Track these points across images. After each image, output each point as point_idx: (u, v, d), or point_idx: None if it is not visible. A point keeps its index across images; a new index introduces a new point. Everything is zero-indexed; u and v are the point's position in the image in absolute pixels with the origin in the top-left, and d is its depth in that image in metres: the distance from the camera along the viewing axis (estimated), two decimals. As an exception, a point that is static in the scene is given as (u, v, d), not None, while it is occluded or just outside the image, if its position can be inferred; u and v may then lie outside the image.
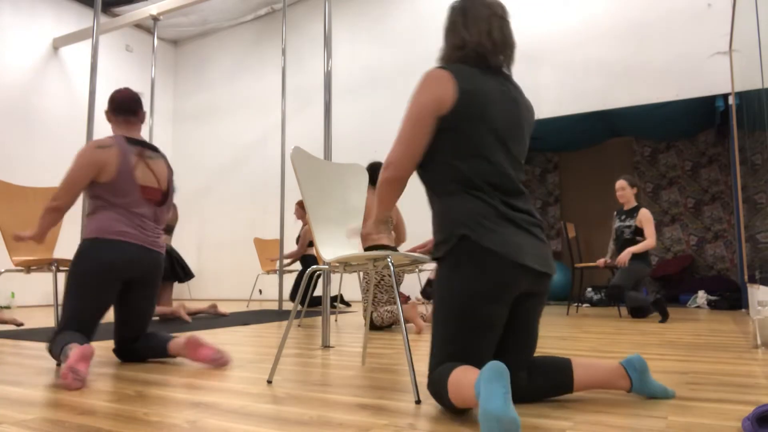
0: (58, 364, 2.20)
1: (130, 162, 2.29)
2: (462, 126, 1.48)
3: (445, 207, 1.50)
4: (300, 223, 6.81)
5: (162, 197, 2.38)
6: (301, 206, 6.09)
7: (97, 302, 2.19)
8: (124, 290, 2.29)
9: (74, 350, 1.86)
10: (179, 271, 4.72)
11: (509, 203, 1.49)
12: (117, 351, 2.36)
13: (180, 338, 2.29)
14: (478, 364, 1.42)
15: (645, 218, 4.52)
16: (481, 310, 1.42)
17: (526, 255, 1.44)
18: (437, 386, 1.37)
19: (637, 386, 1.52)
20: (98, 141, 2.27)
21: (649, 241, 4.44)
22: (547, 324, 3.99)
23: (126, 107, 2.39)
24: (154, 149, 2.41)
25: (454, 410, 1.39)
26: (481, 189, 1.48)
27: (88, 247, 2.19)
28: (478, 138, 1.48)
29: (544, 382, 1.51)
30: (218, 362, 2.22)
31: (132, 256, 2.22)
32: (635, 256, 4.45)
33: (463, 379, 1.29)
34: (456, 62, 1.56)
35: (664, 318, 4.05)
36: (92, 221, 2.24)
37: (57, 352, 2.03)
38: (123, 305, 2.31)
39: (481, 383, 1.16)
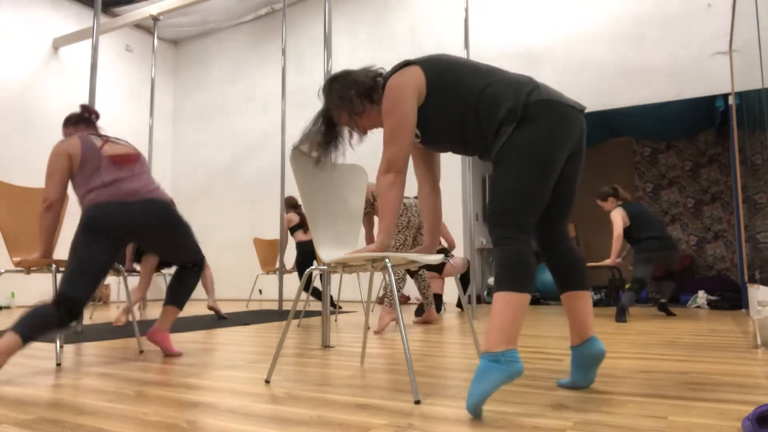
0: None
1: (93, 142, 2.48)
2: None
3: None
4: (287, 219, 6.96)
5: (136, 157, 2.57)
6: (287, 204, 6.18)
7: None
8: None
9: None
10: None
11: None
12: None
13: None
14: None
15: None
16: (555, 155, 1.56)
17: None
18: (509, 266, 1.48)
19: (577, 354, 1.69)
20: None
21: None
22: (547, 324, 3.99)
23: (76, 118, 2.66)
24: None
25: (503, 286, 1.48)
26: None
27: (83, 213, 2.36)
28: None
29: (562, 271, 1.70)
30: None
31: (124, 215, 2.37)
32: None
33: (513, 316, 1.44)
34: None
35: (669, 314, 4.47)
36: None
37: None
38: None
39: (483, 375, 1.39)
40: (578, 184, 1.73)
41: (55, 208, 2.44)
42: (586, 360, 1.66)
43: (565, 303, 1.71)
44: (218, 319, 4.66)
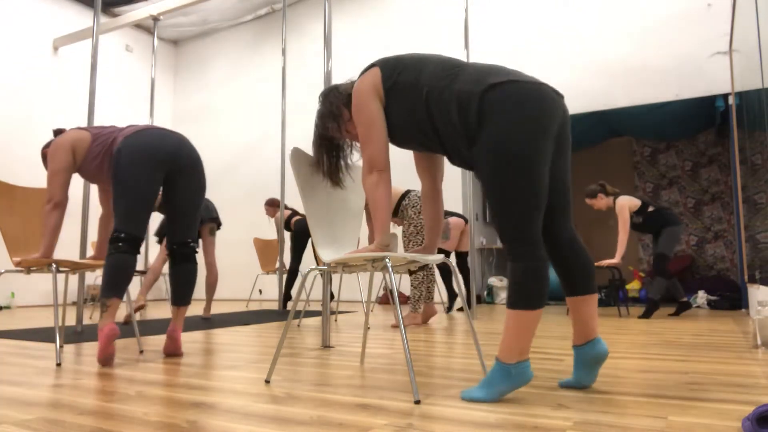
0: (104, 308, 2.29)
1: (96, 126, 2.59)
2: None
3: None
4: (273, 221, 7.01)
5: None
6: (270, 205, 6.25)
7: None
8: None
9: (100, 336, 2.17)
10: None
11: None
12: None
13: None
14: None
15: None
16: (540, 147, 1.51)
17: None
18: (523, 284, 1.51)
19: (579, 355, 1.68)
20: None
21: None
22: (546, 324, 3.99)
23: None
24: None
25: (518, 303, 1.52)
26: None
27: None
28: None
29: (571, 271, 1.67)
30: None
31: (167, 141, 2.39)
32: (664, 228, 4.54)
33: (526, 331, 1.51)
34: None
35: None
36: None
37: (103, 290, 2.24)
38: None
39: (499, 377, 1.52)
40: (570, 176, 1.69)
41: (61, 209, 2.44)
42: (589, 359, 1.67)
43: (572, 305, 1.68)
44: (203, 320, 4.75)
